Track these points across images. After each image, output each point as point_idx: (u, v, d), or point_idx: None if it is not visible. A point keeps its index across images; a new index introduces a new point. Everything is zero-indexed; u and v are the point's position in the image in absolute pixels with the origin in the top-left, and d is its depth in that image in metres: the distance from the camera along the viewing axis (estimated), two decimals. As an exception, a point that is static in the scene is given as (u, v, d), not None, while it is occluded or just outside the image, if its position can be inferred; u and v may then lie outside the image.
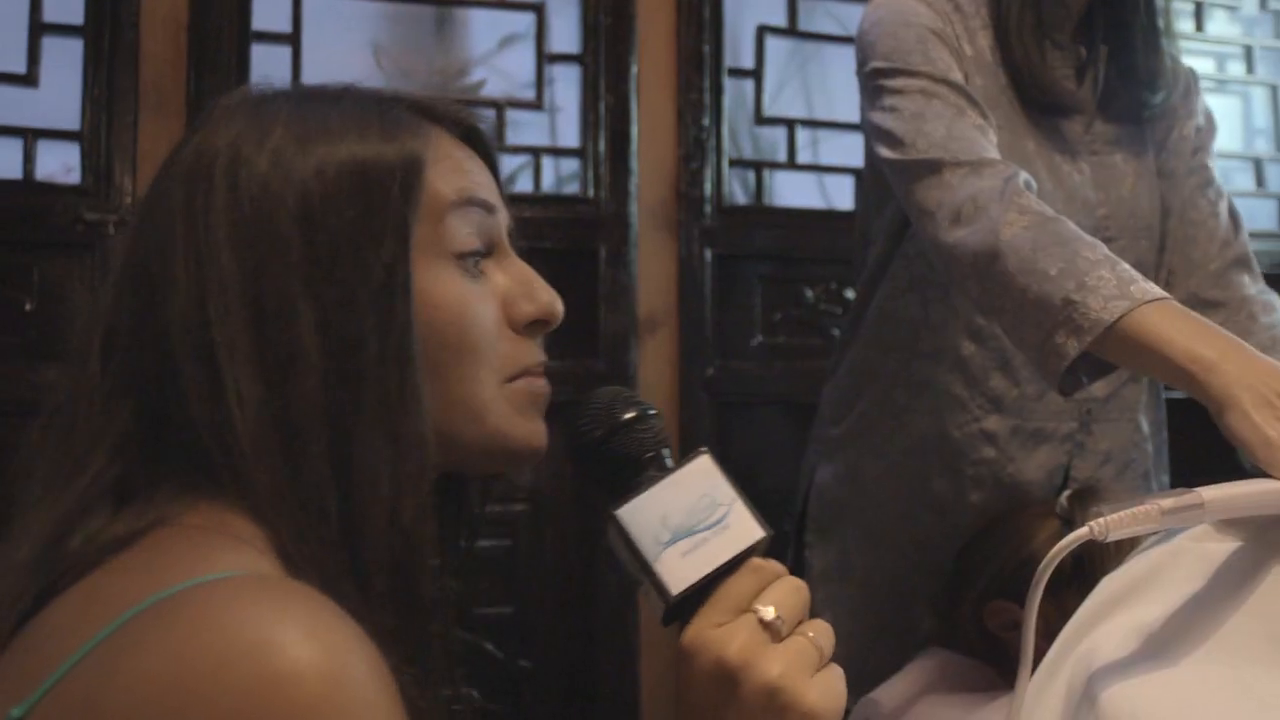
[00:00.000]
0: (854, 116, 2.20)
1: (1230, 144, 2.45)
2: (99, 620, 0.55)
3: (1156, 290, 1.05)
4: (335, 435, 0.63)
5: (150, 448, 0.64)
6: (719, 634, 0.64)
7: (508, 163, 2.08)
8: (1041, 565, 0.86)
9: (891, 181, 1.28)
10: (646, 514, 0.68)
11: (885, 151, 1.26)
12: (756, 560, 0.68)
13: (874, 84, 1.29)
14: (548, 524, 1.94)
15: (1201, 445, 2.13)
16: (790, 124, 2.17)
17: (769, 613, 0.65)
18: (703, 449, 0.71)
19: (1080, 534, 0.85)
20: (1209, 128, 1.46)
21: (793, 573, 1.49)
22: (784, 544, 1.53)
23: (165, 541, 0.61)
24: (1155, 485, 1.49)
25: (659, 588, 0.67)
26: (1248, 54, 2.52)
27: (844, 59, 2.23)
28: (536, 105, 2.05)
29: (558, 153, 2.06)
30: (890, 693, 1.25)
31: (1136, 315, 1.03)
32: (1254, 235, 1.47)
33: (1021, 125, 1.34)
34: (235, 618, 0.53)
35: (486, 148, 0.77)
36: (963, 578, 1.32)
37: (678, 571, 0.67)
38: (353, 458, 0.64)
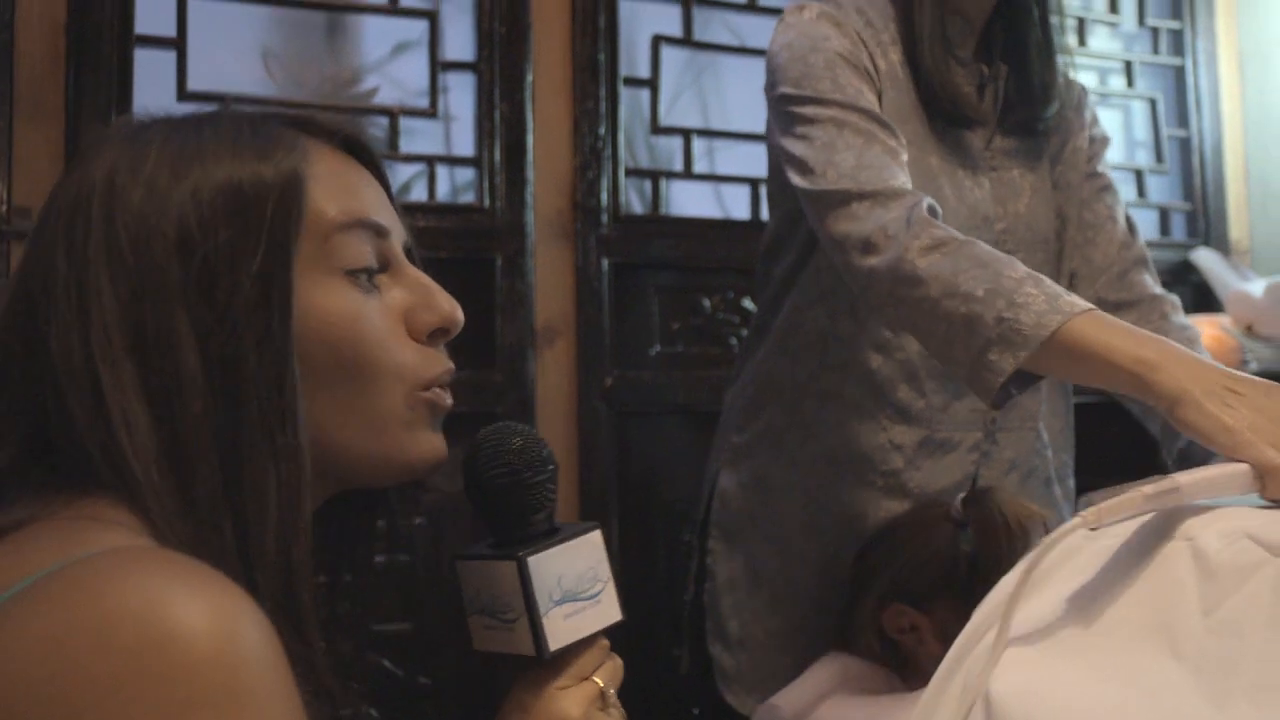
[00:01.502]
0: (750, 127, 2.24)
1: (1112, 156, 2.51)
2: None
3: (1083, 302, 1.08)
4: (223, 454, 0.65)
5: (37, 469, 0.65)
6: (566, 695, 0.75)
7: (401, 171, 2.05)
8: (1029, 560, 0.89)
9: (805, 208, 1.30)
10: (548, 570, 0.76)
11: (797, 180, 1.28)
12: (603, 639, 0.79)
13: (784, 109, 1.31)
14: (446, 539, 1.91)
15: (1110, 448, 2.20)
16: (686, 134, 2.18)
17: (608, 686, 0.77)
18: (595, 524, 0.80)
19: (1073, 524, 0.87)
20: (1102, 138, 1.52)
21: (697, 578, 1.50)
22: (687, 553, 1.53)
23: (37, 531, 0.61)
24: (1058, 490, 1.52)
25: (538, 639, 0.75)
26: (1128, 69, 2.60)
27: (739, 70, 2.25)
28: (430, 113, 2.02)
29: (452, 161, 2.03)
30: (790, 697, 1.25)
31: (1071, 327, 1.06)
32: (1137, 245, 1.50)
33: (929, 141, 1.37)
34: (119, 583, 0.53)
35: (372, 158, 0.77)
36: (860, 582, 1.33)
37: (559, 631, 0.76)
38: (241, 474, 0.65)
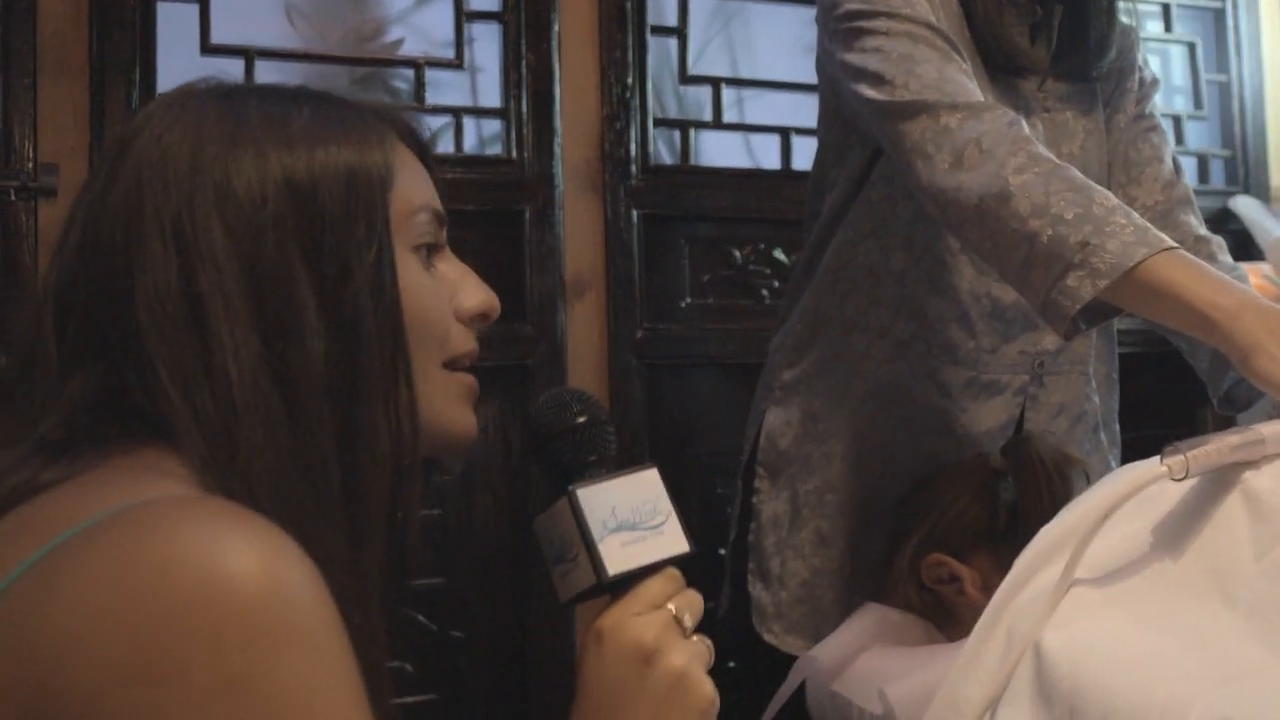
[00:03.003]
0: (780, 75, 2.21)
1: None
2: (28, 546, 0.57)
3: (1169, 240, 1.06)
4: (336, 398, 0.68)
5: (102, 412, 0.67)
6: (639, 621, 0.74)
7: (428, 124, 2.03)
8: (1107, 506, 0.88)
9: (874, 122, 1.26)
10: (600, 500, 0.77)
11: (870, 92, 1.24)
12: (674, 569, 0.78)
13: (851, 25, 1.27)
14: (477, 493, 1.90)
15: (1148, 397, 2.18)
16: (715, 83, 2.14)
17: (684, 614, 0.76)
18: (654, 463, 0.81)
19: (1158, 473, 0.86)
20: (1152, 80, 1.49)
21: (740, 519, 1.48)
22: (734, 495, 1.51)
23: (96, 477, 0.63)
24: (1104, 437, 1.50)
25: (596, 566, 0.75)
26: (1165, 12, 2.55)
27: (769, 17, 2.22)
28: (456, 64, 1.99)
29: (479, 113, 2.01)
30: (829, 649, 1.24)
31: (1154, 262, 1.05)
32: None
33: (985, 81, 1.33)
34: (178, 525, 0.56)
35: (430, 159, 0.83)
36: (899, 532, 1.32)
37: (616, 556, 0.76)
38: (356, 421, 0.69)
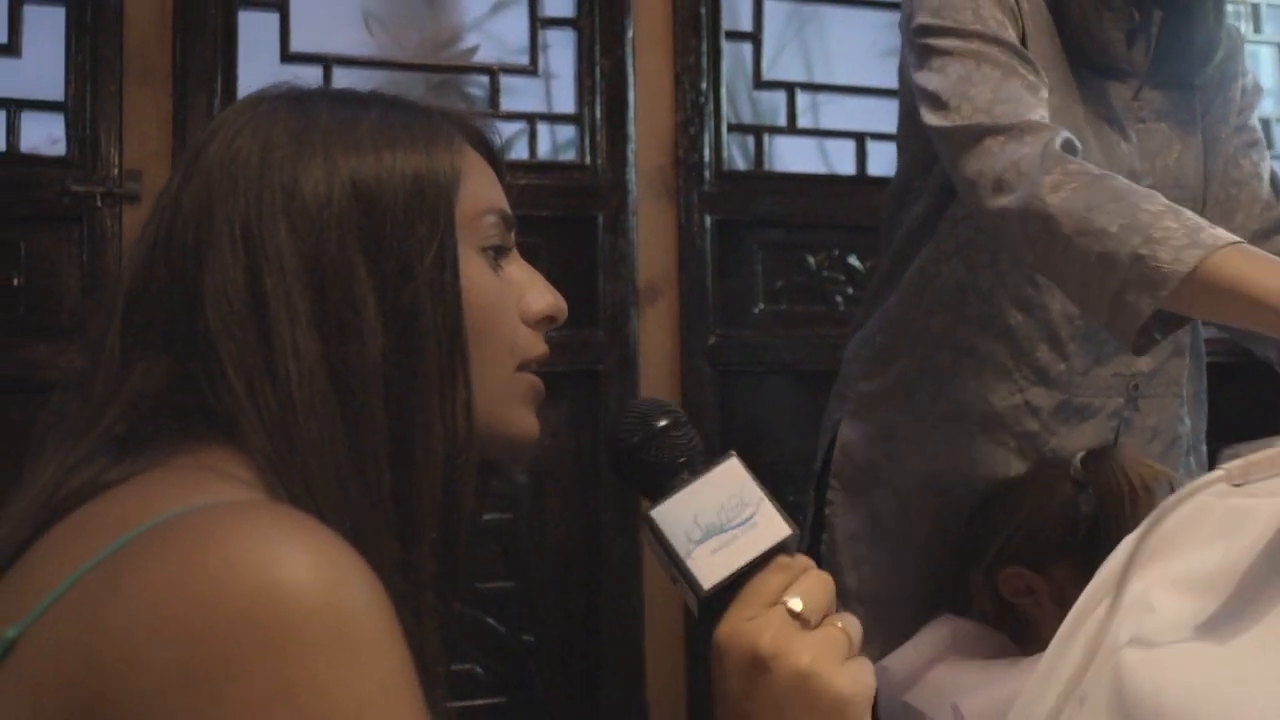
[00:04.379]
0: (855, 79, 2.19)
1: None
2: (93, 545, 0.58)
3: (1228, 234, 1.01)
4: (392, 397, 0.68)
5: (163, 407, 0.68)
6: (751, 626, 0.68)
7: (502, 130, 2.03)
8: (1154, 515, 0.84)
9: (938, 148, 1.25)
10: (679, 514, 0.72)
11: (930, 117, 1.22)
12: (783, 557, 0.72)
13: (921, 42, 1.25)
14: (549, 497, 1.91)
15: (1231, 410, 2.12)
16: (790, 88, 2.14)
17: (797, 604, 0.69)
18: (731, 452, 0.75)
19: (1214, 477, 0.81)
20: (1255, 88, 1.43)
21: (812, 529, 1.45)
22: (807, 506, 1.50)
23: (159, 477, 0.64)
24: (1193, 461, 1.46)
25: (691, 583, 0.71)
26: (1254, 12, 2.49)
27: (844, 21, 2.20)
28: (531, 71, 2.01)
29: (553, 119, 2.02)
30: (902, 660, 1.22)
31: (1213, 262, 0.99)
32: (1268, 198, 1.43)
33: (1074, 91, 1.30)
34: (237, 532, 0.56)
35: (499, 160, 0.84)
36: (975, 542, 1.29)
37: (709, 568, 0.71)
38: (411, 420, 0.69)
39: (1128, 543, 0.97)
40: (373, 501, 0.67)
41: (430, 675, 0.64)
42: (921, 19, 1.25)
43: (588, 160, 1.98)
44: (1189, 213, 1.05)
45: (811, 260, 2.08)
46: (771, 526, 0.72)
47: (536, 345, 0.79)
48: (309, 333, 0.67)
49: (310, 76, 1.88)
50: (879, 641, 1.36)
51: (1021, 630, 1.24)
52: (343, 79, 1.92)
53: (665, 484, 0.75)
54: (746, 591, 0.70)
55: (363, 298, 0.68)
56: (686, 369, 1.97)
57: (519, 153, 2.01)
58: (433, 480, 0.69)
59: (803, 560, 0.73)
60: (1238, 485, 0.82)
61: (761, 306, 2.05)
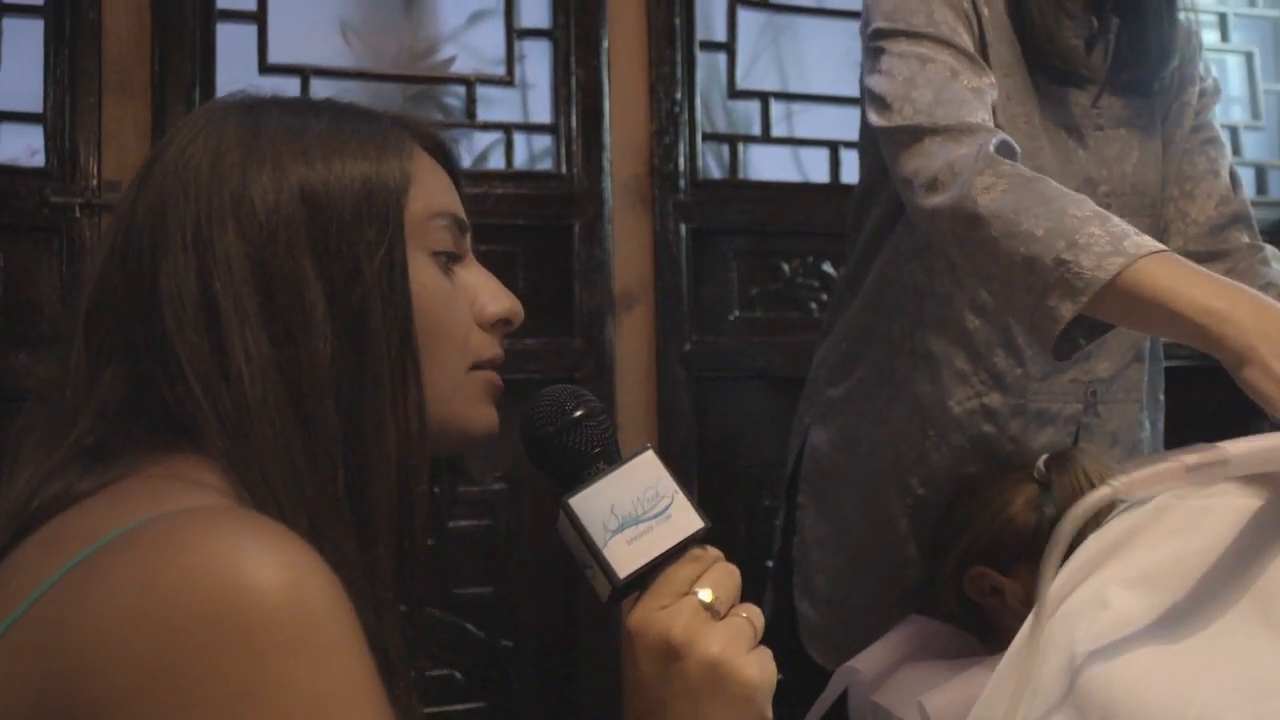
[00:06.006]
0: (829, 89, 2.21)
1: (1206, 112, 2.45)
2: (64, 555, 0.59)
3: (1153, 243, 1.01)
4: (343, 397, 0.69)
5: (130, 414, 0.69)
6: (664, 615, 0.71)
7: (479, 140, 2.06)
8: (1059, 527, 0.84)
9: (882, 149, 1.25)
10: (596, 503, 0.74)
11: (875, 117, 1.23)
12: (696, 549, 0.75)
13: (874, 45, 1.26)
14: (526, 503, 1.93)
15: (1201, 414, 2.14)
16: (764, 97, 2.16)
17: (708, 595, 0.72)
18: (647, 445, 0.77)
19: (1102, 494, 0.81)
20: (1213, 90, 1.43)
21: (784, 532, 1.46)
22: (776, 508, 1.52)
23: (129, 487, 0.65)
24: None
25: (606, 571, 0.73)
26: (1223, 21, 2.52)
27: (818, 31, 2.23)
28: (507, 81, 2.03)
29: (530, 129, 2.04)
30: (870, 660, 1.24)
31: (1135, 271, 0.98)
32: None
33: (1032, 98, 1.31)
34: (204, 536, 0.58)
35: (454, 165, 0.84)
36: (941, 544, 1.31)
37: (624, 557, 0.73)
38: (363, 419, 0.70)
39: (1088, 543, 0.99)
40: (328, 500, 0.68)
41: (393, 674, 0.65)
42: (877, 23, 1.26)
43: (564, 170, 2.00)
44: (1116, 219, 1.04)
45: (786, 267, 2.10)
46: (685, 519, 0.75)
47: (490, 348, 0.80)
48: (259, 335, 0.68)
49: (288, 87, 1.90)
50: (848, 645, 1.38)
51: (988, 630, 1.26)
52: (321, 89, 1.93)
53: (580, 472, 0.76)
54: (659, 582, 0.73)
55: (312, 301, 0.69)
56: (662, 375, 1.99)
57: (495, 162, 2.03)
58: (387, 479, 0.70)
59: (713, 552, 0.76)
60: (1122, 501, 0.82)
61: (736, 313, 2.07)
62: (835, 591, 1.42)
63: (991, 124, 1.18)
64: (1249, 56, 2.52)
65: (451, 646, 1.86)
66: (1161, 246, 1.01)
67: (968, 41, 1.24)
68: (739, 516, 2.02)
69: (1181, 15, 1.35)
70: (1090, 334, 1.08)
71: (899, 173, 1.20)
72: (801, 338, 1.99)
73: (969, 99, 1.19)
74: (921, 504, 1.39)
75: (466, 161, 2.07)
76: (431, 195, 0.77)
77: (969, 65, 1.22)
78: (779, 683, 1.45)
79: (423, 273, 0.75)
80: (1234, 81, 2.56)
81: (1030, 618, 0.96)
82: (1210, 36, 2.51)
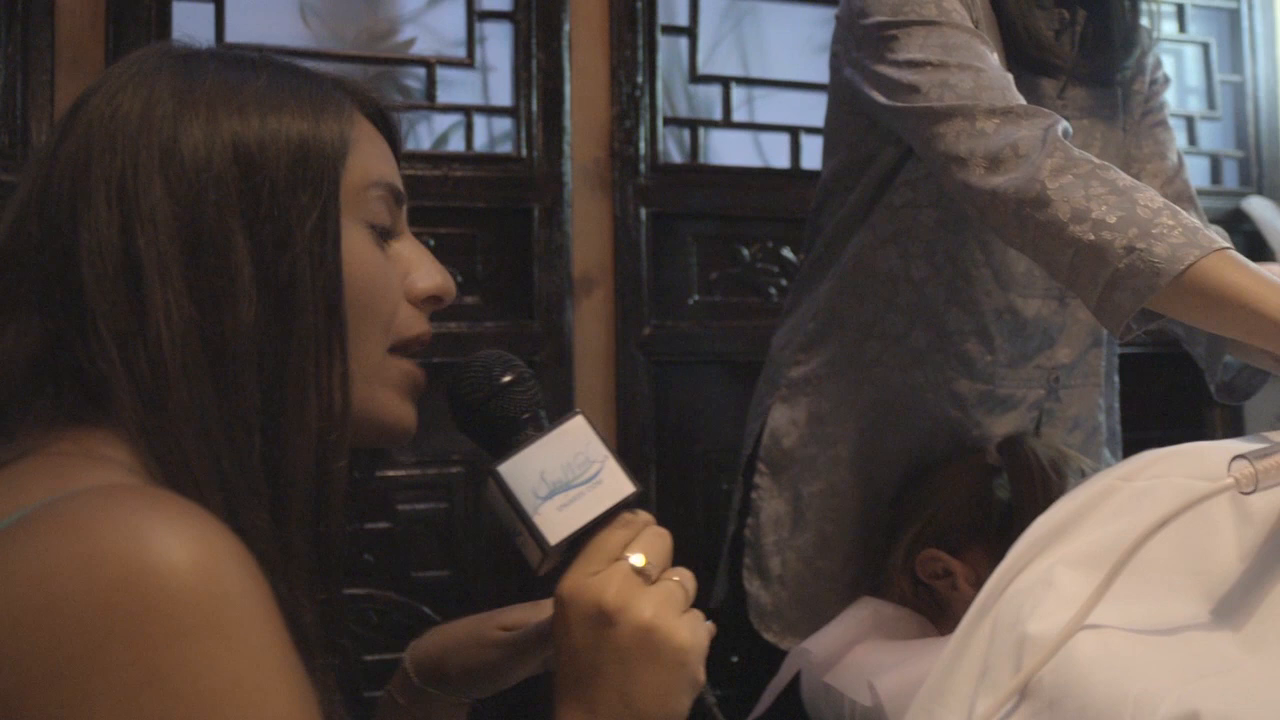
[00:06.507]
0: (790, 74, 2.21)
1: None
2: None
3: (1220, 239, 1.03)
4: (265, 366, 0.67)
5: (35, 375, 0.66)
6: (596, 581, 0.71)
7: (439, 122, 2.05)
8: (1163, 518, 0.84)
9: (906, 129, 1.25)
10: (526, 470, 0.74)
11: (901, 102, 1.23)
12: (627, 514, 0.75)
13: (880, 35, 1.26)
14: (483, 485, 1.92)
15: (1161, 396, 2.16)
16: (725, 82, 2.16)
17: (640, 560, 0.72)
18: (576, 410, 0.77)
19: (1223, 485, 0.83)
20: (1164, 80, 1.48)
21: (740, 514, 1.48)
22: (734, 490, 1.52)
23: (33, 465, 0.62)
24: (1112, 449, 1.50)
25: (537, 538, 0.73)
26: (1180, 13, 2.54)
27: (780, 17, 2.23)
28: (468, 63, 2.01)
29: (490, 111, 2.03)
30: (822, 641, 1.25)
31: (1207, 264, 1.01)
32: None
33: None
34: (102, 519, 0.55)
35: (395, 133, 0.82)
36: (895, 526, 1.33)
37: (555, 523, 0.74)
38: (284, 390, 0.67)
39: (1036, 524, 1.00)
40: (244, 473, 0.66)
41: (310, 654, 0.63)
42: (881, 17, 1.26)
43: (524, 153, 1.99)
44: (1184, 213, 1.06)
45: (746, 252, 2.11)
46: (616, 484, 0.75)
47: (417, 324, 0.78)
48: (182, 296, 0.65)
49: (245, 67, 1.88)
50: (808, 628, 1.39)
51: (939, 612, 1.28)
52: (278, 70, 1.91)
53: (509, 439, 0.76)
54: (590, 547, 0.73)
55: (238, 264, 0.67)
56: (621, 360, 1.99)
57: (456, 144, 2.02)
58: (305, 454, 0.68)
59: (644, 516, 0.76)
60: (1246, 493, 0.82)
61: (696, 298, 2.08)
62: (789, 571, 1.42)
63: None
64: (1205, 47, 2.54)
65: (408, 629, 1.85)
66: (1226, 244, 1.03)
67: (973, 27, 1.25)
68: (697, 501, 2.03)
69: (1143, 7, 1.38)
70: (1145, 319, 1.10)
71: (946, 152, 1.19)
72: (761, 323, 1.99)
73: (1009, 84, 1.20)
74: (882, 486, 1.41)
75: (426, 143, 2.06)
76: (369, 164, 0.75)
77: (989, 49, 1.23)
78: (733, 664, 1.47)
79: (355, 243, 0.72)
80: (1191, 72, 2.58)
81: (979, 598, 0.97)
82: (1168, 27, 2.53)
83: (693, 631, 0.72)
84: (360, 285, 0.72)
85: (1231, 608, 0.87)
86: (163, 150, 0.67)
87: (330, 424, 0.69)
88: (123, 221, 0.66)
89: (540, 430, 0.76)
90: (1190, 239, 1.03)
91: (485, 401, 0.78)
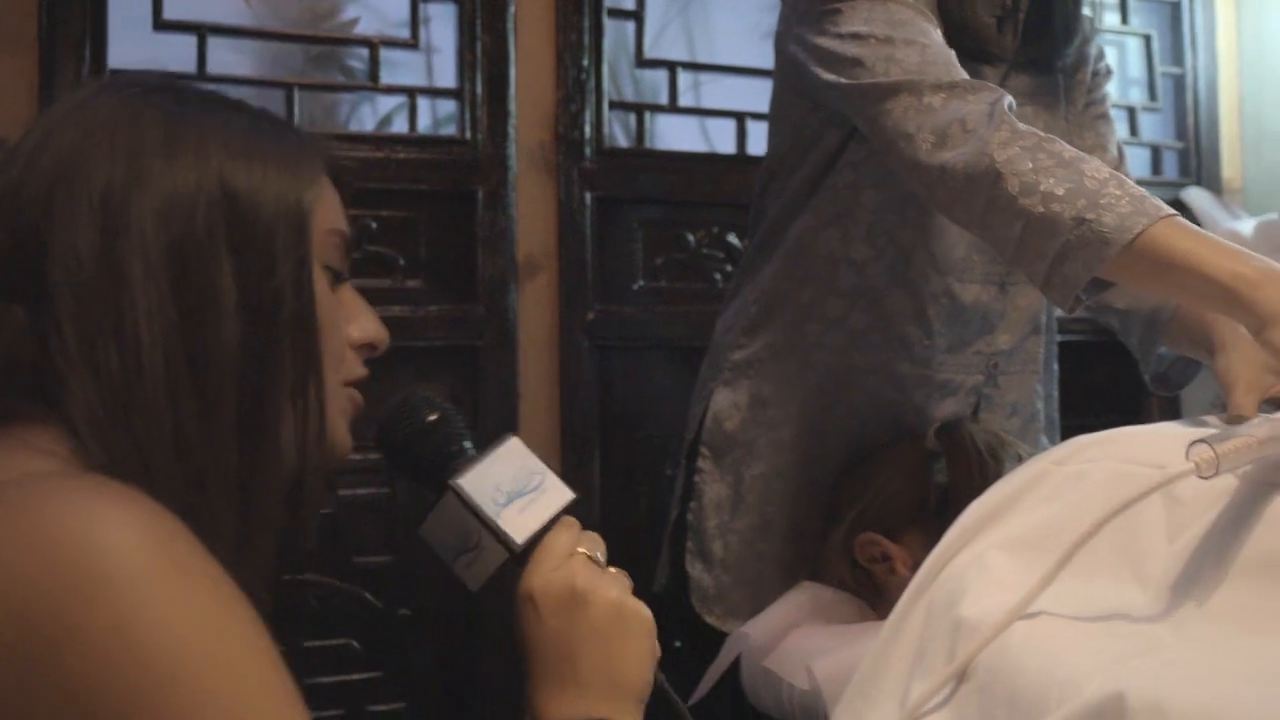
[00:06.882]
0: (737, 60, 2.21)
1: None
2: None
3: (1166, 206, 1.04)
4: (245, 385, 0.71)
5: None
6: (562, 573, 0.79)
7: (382, 104, 2.03)
8: (1127, 500, 0.84)
9: (848, 104, 1.24)
10: (482, 482, 0.81)
11: (844, 78, 1.22)
12: (567, 517, 0.83)
13: (826, 7, 1.25)
14: (428, 509, 1.90)
15: (1101, 385, 2.19)
16: (672, 66, 2.15)
17: (596, 552, 0.81)
18: (509, 434, 0.85)
19: (1183, 471, 0.82)
20: (1106, 71, 1.50)
21: (682, 498, 1.48)
22: (676, 474, 1.52)
23: None
24: (1047, 437, 1.51)
25: (504, 540, 0.80)
26: (1123, 5, 2.56)
27: (727, 1, 2.22)
28: (411, 44, 1.99)
29: (434, 93, 2.01)
30: (761, 626, 1.26)
31: (1156, 232, 1.01)
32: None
33: None
34: (54, 503, 0.58)
35: (345, 191, 0.86)
36: (834, 511, 1.33)
37: (519, 525, 0.81)
38: (263, 410, 0.71)
39: (971, 509, 1.01)
40: (218, 478, 0.69)
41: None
42: None
43: (468, 135, 1.97)
44: (1131, 182, 1.07)
45: (691, 238, 2.11)
46: (560, 491, 0.84)
47: (357, 368, 0.83)
48: (167, 303, 0.68)
49: (183, 45, 1.84)
50: (750, 612, 1.40)
51: (877, 596, 1.29)
52: (219, 48, 1.88)
53: (445, 468, 0.82)
54: (543, 548, 0.80)
55: (223, 286, 0.70)
56: (565, 344, 1.98)
57: (399, 126, 2.00)
58: (280, 470, 0.73)
59: (575, 520, 0.84)
60: (1207, 478, 0.82)
61: (641, 283, 2.07)
62: (730, 556, 1.42)
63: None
64: (1147, 39, 2.57)
65: (349, 615, 1.84)
66: (1172, 211, 1.04)
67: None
68: (641, 486, 2.02)
69: None
70: (1092, 291, 1.10)
71: (893, 128, 1.19)
72: (706, 308, 1.99)
73: (953, 59, 1.20)
74: (823, 470, 1.41)
75: (369, 125, 2.04)
76: (329, 210, 0.80)
77: (934, 25, 1.23)
78: (675, 649, 1.47)
79: (317, 282, 0.77)
80: (1133, 63, 2.61)
81: (914, 581, 0.97)
82: (1111, 18, 2.56)
83: (645, 608, 0.80)
84: (323, 319, 0.77)
85: (1160, 589, 0.88)
86: (153, 169, 0.71)
87: (308, 446, 0.74)
88: (104, 228, 0.69)
89: (481, 451, 0.83)
90: (1138, 207, 1.03)
91: (415, 439, 0.83)
